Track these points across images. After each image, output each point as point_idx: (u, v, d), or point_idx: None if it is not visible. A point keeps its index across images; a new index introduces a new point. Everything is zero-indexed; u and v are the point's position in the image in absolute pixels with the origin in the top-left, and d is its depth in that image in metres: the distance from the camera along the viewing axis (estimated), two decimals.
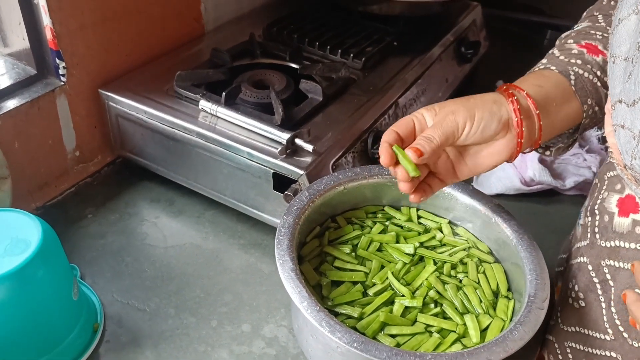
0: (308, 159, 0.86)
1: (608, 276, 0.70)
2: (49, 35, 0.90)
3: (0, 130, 0.87)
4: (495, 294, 0.75)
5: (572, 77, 0.72)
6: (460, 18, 1.37)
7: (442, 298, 0.73)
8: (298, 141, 0.88)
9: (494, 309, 0.72)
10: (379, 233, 0.81)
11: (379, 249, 0.79)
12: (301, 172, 0.84)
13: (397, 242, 0.80)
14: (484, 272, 0.77)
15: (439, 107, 0.68)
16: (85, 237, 0.95)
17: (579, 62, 0.73)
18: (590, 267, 0.73)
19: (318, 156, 0.87)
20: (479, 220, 0.81)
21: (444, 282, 0.75)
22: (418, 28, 1.26)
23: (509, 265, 0.77)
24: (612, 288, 0.70)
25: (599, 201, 0.73)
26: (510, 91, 0.68)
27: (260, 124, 0.90)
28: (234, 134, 0.90)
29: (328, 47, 1.14)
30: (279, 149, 0.87)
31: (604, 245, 0.71)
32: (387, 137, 0.67)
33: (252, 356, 0.79)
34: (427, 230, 0.82)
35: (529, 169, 1.07)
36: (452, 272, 0.77)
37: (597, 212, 0.73)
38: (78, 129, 1.00)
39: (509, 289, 0.75)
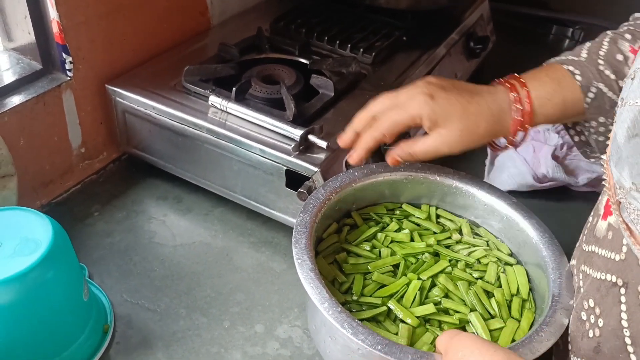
0: (322, 156, 0.85)
1: (581, 283, 0.65)
2: (55, 29, 0.88)
3: (6, 126, 0.85)
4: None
5: (591, 95, 0.70)
6: (468, 12, 1.35)
7: (451, 294, 0.71)
8: (311, 137, 0.86)
9: (509, 311, 0.70)
10: (395, 231, 0.79)
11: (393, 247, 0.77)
12: (315, 169, 0.83)
13: (412, 240, 0.78)
14: (504, 272, 0.75)
15: (441, 118, 0.69)
16: (91, 235, 0.93)
17: (612, 76, 0.69)
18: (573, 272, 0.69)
19: (331, 152, 0.85)
20: (498, 218, 0.79)
21: (455, 279, 0.73)
22: (426, 22, 1.24)
23: (531, 267, 0.75)
24: (580, 296, 0.65)
25: (598, 202, 0.68)
26: (518, 96, 0.70)
27: (272, 120, 0.88)
28: (245, 130, 0.88)
29: (337, 41, 1.12)
30: (292, 145, 0.85)
31: (584, 249, 0.66)
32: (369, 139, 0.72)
33: (266, 357, 0.78)
34: (444, 230, 0.80)
35: (542, 166, 1.05)
36: (467, 270, 0.75)
37: (593, 212, 0.68)
38: (84, 125, 0.98)
39: (530, 291, 0.73)
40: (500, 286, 0.73)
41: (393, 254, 0.75)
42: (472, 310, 0.70)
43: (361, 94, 1.00)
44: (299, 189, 0.83)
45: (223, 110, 0.91)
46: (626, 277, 0.55)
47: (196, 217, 0.98)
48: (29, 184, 0.92)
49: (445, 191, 0.81)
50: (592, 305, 0.60)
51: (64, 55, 0.90)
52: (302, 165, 0.84)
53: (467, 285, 0.72)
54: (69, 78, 0.92)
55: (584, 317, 0.61)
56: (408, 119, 0.70)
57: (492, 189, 0.80)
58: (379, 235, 0.78)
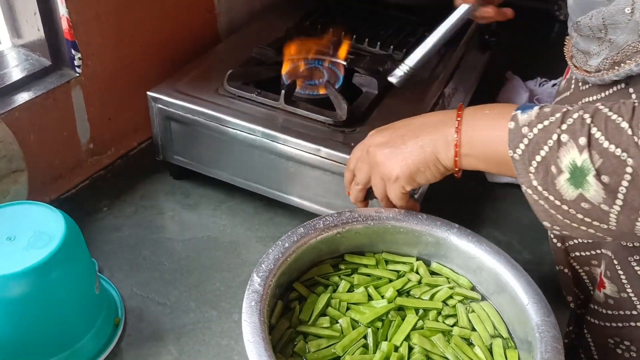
0: None
1: None
2: (64, 25, 0.89)
3: (17, 122, 0.86)
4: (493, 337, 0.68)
5: None
6: None
7: (432, 354, 0.65)
8: None
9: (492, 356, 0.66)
10: (348, 291, 0.72)
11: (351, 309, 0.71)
12: None
13: (370, 297, 0.71)
14: (474, 312, 0.70)
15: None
16: (101, 230, 0.94)
17: None
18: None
19: None
20: (446, 249, 0.73)
21: (432, 332, 0.67)
22: (445, 18, 1.25)
23: (495, 297, 0.70)
24: None
25: None
26: None
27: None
28: (300, 132, 0.89)
29: (366, 39, 1.12)
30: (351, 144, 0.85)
31: None
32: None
33: None
34: (400, 275, 0.74)
35: None
36: (440, 319, 0.69)
37: None
38: (92, 120, 0.99)
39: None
40: (474, 328, 0.69)
41: (354, 322, 0.69)
42: None
43: (400, 91, 0.97)
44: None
45: (275, 113, 0.92)
46: None
47: (204, 212, 0.98)
48: (38, 179, 0.93)
49: (383, 234, 0.75)
50: None
51: (73, 52, 0.91)
52: None
53: (444, 339, 0.67)
54: (77, 74, 0.93)
55: None
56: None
57: (431, 220, 0.74)
58: (333, 302, 0.70)
